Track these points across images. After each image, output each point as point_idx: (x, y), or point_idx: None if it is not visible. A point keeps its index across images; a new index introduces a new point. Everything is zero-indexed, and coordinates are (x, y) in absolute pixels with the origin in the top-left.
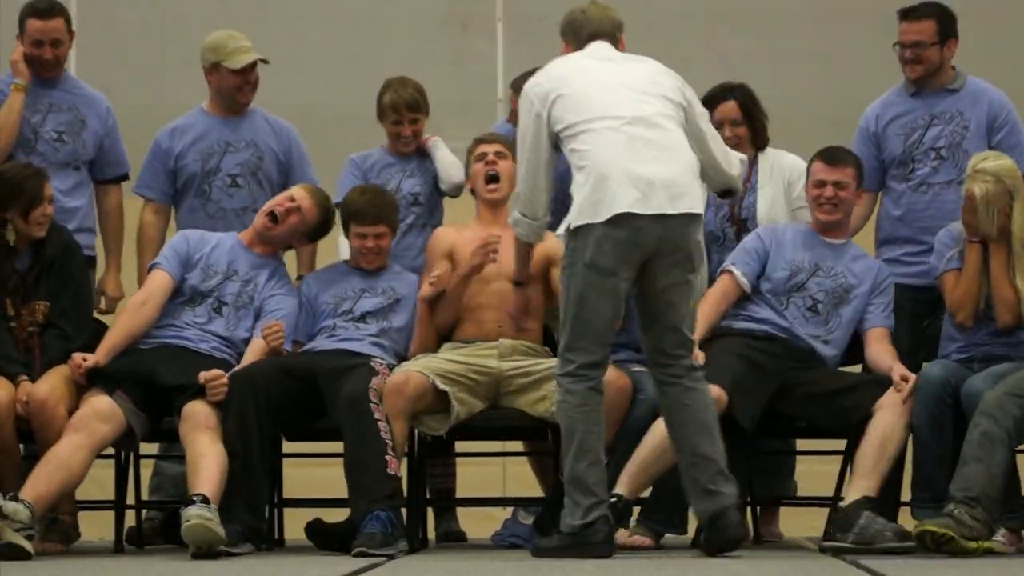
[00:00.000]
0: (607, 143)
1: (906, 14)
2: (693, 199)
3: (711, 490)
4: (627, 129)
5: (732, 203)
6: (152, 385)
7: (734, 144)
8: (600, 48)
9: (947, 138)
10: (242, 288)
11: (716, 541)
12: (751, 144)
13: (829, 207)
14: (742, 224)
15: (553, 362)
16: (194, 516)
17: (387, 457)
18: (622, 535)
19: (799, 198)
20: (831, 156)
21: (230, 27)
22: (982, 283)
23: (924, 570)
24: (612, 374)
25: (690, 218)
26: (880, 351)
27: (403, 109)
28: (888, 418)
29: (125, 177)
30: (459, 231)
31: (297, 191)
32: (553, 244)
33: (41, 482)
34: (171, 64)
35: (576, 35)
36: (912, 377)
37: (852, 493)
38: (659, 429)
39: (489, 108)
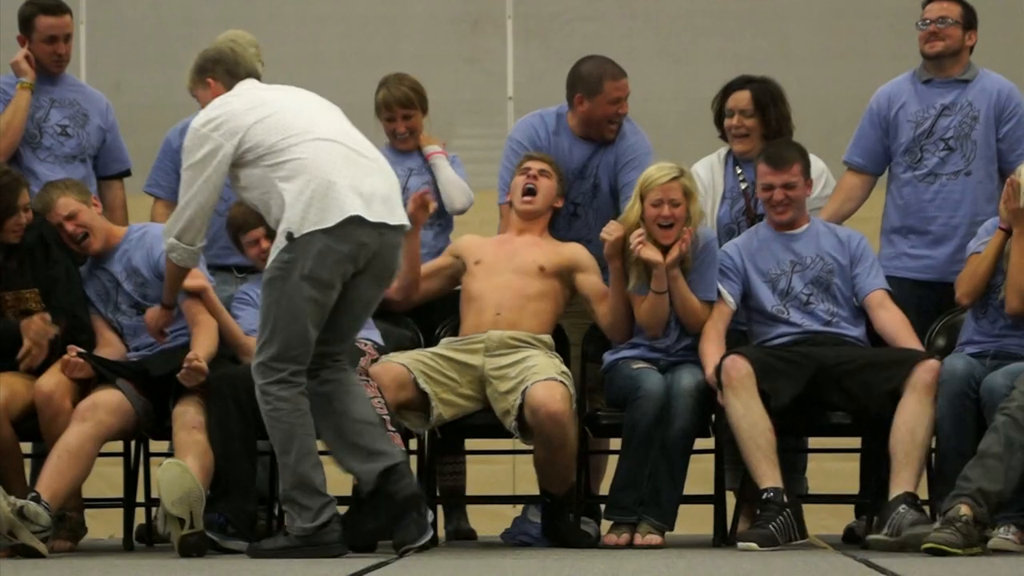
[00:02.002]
0: (325, 155)
1: None
2: (404, 214)
3: (379, 450)
4: (340, 143)
5: (749, 198)
6: (148, 377)
7: (742, 134)
8: (259, 83)
9: (956, 128)
10: (133, 283)
11: (394, 497)
12: (761, 137)
13: (781, 208)
14: (757, 219)
15: (530, 360)
16: (166, 463)
17: (388, 434)
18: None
19: (817, 198)
20: (775, 159)
21: (240, 27)
22: (996, 268)
23: (934, 569)
24: (544, 397)
25: (402, 232)
26: (886, 320)
27: (395, 106)
28: (914, 403)
29: (127, 173)
30: (482, 239)
31: (64, 203)
32: (578, 250)
33: (55, 478)
34: (180, 63)
35: (231, 72)
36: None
37: (892, 490)
38: (738, 421)
39: (499, 106)
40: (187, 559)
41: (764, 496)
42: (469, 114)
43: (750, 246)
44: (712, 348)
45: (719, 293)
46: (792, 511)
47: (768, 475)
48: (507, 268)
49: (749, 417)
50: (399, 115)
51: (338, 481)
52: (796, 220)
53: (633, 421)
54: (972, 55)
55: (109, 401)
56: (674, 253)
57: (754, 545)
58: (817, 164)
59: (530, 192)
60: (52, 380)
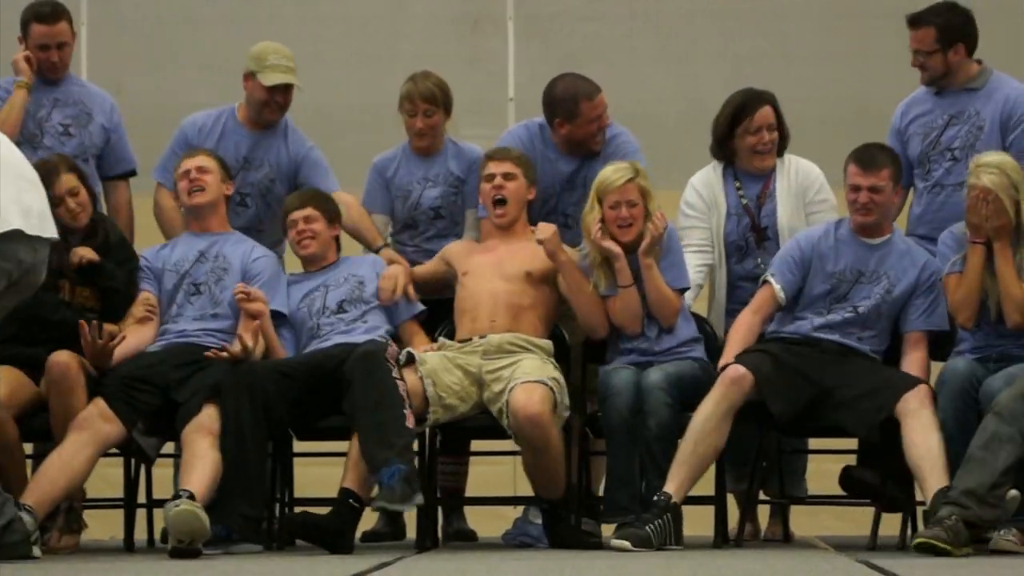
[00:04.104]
0: None
1: (910, 21)
2: (55, 228)
3: None
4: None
5: (752, 213)
6: (167, 399)
7: (767, 150)
8: None
9: (962, 139)
10: (213, 265)
11: None
12: (777, 150)
13: (864, 211)
14: (763, 232)
15: (523, 362)
16: (183, 503)
17: (404, 411)
18: None
19: (812, 203)
20: (865, 160)
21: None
22: (985, 284)
23: (933, 570)
24: (522, 400)
25: (49, 244)
26: (910, 362)
27: (417, 100)
28: (916, 421)
29: (133, 173)
30: (468, 247)
31: (203, 161)
32: (570, 254)
33: (45, 485)
34: (183, 63)
35: None
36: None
37: (928, 492)
38: (696, 422)
39: (500, 107)
40: (186, 561)
41: (656, 497)
42: (470, 115)
43: (824, 243)
44: (738, 337)
45: (772, 284)
46: (672, 517)
47: (675, 481)
48: (495, 276)
49: (708, 425)
50: (420, 110)
51: (323, 483)
52: (879, 227)
53: (608, 419)
54: (979, 54)
55: (107, 411)
56: (648, 241)
57: (628, 544)
58: (812, 171)
59: (500, 203)
60: (66, 355)
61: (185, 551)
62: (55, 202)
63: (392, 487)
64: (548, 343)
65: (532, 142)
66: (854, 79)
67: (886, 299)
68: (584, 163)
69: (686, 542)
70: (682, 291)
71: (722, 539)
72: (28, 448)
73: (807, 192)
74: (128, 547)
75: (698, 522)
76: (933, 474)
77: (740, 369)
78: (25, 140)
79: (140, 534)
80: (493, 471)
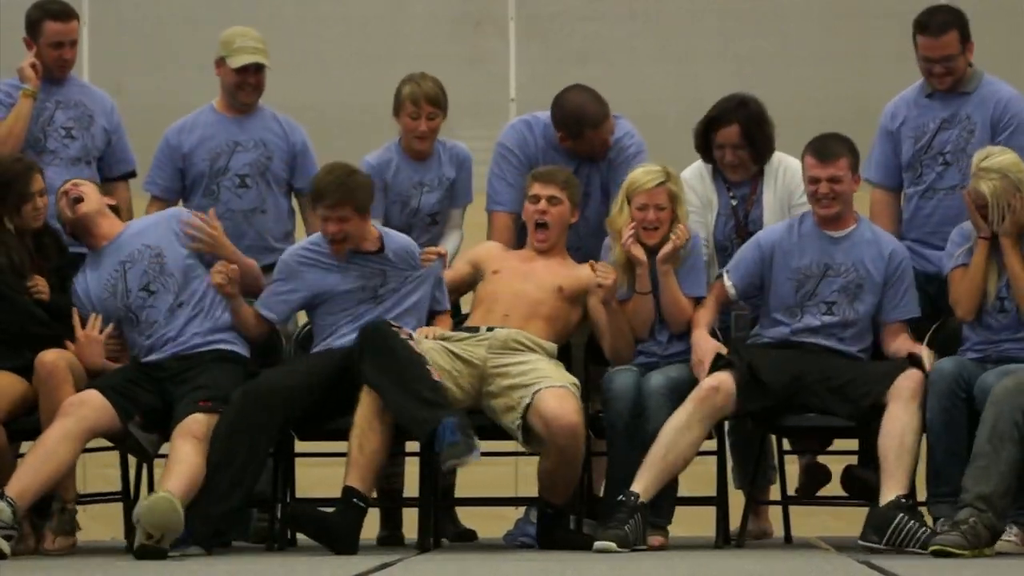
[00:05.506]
0: None
1: (925, 28)
2: None
3: None
4: None
5: (739, 215)
6: (165, 401)
7: (733, 166)
8: None
9: (954, 143)
10: (150, 261)
11: None
12: (753, 162)
13: (826, 202)
14: (748, 237)
15: (536, 363)
16: (160, 492)
17: (428, 367)
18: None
19: (796, 206)
20: (822, 151)
21: (244, 26)
22: (988, 279)
23: (935, 570)
24: (557, 408)
25: None
26: (898, 347)
27: (422, 102)
28: (900, 410)
29: (132, 174)
30: (504, 251)
31: (72, 180)
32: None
33: (28, 474)
34: (183, 64)
35: None
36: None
37: (885, 494)
38: (668, 428)
39: (501, 107)
40: (187, 560)
41: (621, 498)
42: (470, 116)
43: (787, 241)
44: (704, 311)
45: (723, 279)
46: (641, 517)
47: (643, 482)
48: (525, 280)
49: (682, 436)
50: (425, 112)
51: (323, 483)
52: (842, 217)
53: (610, 422)
54: (978, 54)
55: (95, 398)
56: (668, 248)
57: (614, 545)
58: (799, 172)
59: (542, 227)
60: (54, 353)
61: (152, 550)
62: (27, 197)
63: (455, 442)
64: (552, 346)
65: (534, 139)
66: (854, 79)
67: (857, 293)
68: (586, 164)
69: (686, 542)
70: (697, 300)
71: (723, 539)
72: (27, 448)
73: (792, 195)
74: (128, 547)
75: (698, 522)
76: (896, 474)
77: (726, 382)
78: (28, 144)
79: None
80: (494, 471)
